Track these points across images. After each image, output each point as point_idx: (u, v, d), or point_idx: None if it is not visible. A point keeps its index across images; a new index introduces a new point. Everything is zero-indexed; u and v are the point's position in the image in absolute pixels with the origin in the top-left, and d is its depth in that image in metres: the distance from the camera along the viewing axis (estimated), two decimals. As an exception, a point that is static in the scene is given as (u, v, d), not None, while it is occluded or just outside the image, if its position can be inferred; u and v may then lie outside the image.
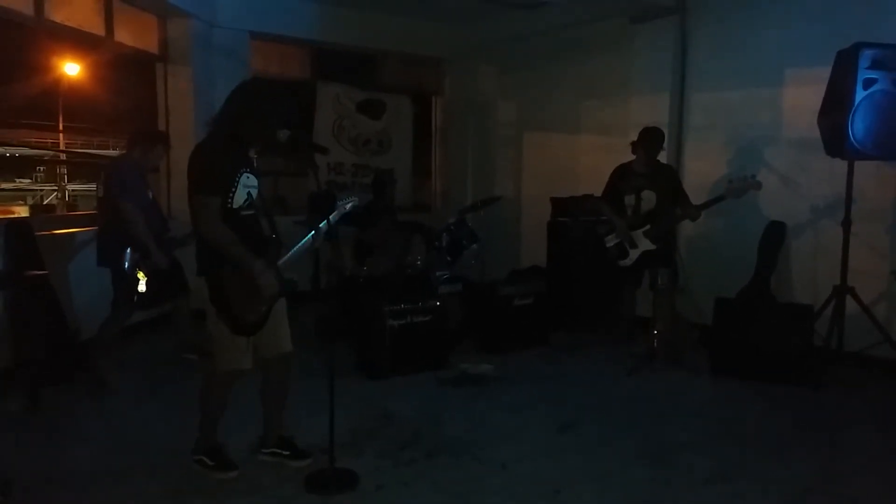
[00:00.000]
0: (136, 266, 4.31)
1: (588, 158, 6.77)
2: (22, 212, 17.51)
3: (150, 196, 4.65)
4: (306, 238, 3.18)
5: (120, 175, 4.45)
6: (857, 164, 4.48)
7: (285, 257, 3.15)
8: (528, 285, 5.60)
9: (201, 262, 2.99)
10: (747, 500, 3.00)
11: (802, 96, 5.03)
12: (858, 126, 4.29)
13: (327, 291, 5.66)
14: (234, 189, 2.93)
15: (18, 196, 21.60)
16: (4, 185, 21.40)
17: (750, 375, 4.58)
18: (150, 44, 6.37)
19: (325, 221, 3.14)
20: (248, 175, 3.00)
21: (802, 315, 4.61)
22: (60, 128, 15.05)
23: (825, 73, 4.52)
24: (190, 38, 6.39)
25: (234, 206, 2.94)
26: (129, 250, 4.29)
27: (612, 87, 6.54)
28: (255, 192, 3.05)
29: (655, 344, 4.91)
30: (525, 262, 7.16)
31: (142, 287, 4.32)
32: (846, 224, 4.57)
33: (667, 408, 4.25)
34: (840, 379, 4.51)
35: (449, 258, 5.80)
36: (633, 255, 5.19)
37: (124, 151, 4.91)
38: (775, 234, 5.34)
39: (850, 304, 4.57)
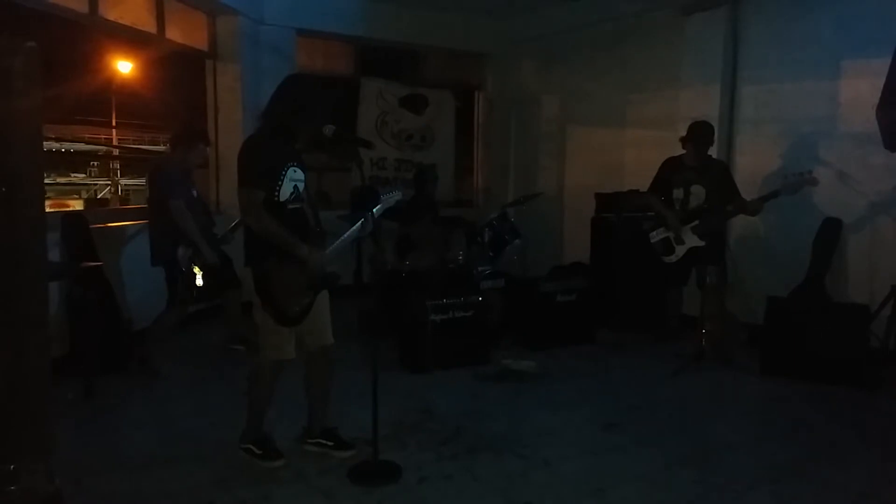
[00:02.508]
0: (190, 261, 4.41)
1: (634, 153, 6.66)
2: (77, 205, 18.07)
3: (195, 194, 4.73)
4: (353, 229, 3.22)
5: (164, 175, 4.54)
6: (918, 158, 4.33)
7: (330, 248, 3.20)
8: (571, 282, 5.53)
9: (248, 253, 3.07)
10: (798, 504, 2.92)
11: (859, 88, 4.85)
12: (920, 119, 4.13)
13: (370, 286, 5.70)
14: (280, 182, 2.99)
15: (73, 190, 22.30)
16: (60, 180, 22.10)
17: (802, 377, 4.44)
18: (200, 41, 6.50)
19: (370, 212, 3.18)
20: (295, 169, 3.06)
21: (858, 315, 4.46)
22: (114, 123, 15.50)
23: (884, 64, 4.33)
24: (238, 36, 6.51)
25: (281, 199, 3.00)
26: (180, 248, 4.40)
27: (660, 80, 6.42)
28: (301, 186, 3.10)
29: (704, 343, 4.81)
30: (567, 258, 7.08)
31: (199, 281, 4.43)
32: (906, 221, 4.42)
33: (715, 408, 4.17)
34: (897, 382, 4.36)
35: (491, 253, 5.79)
36: (679, 251, 5.09)
37: (168, 152, 5.00)
38: (830, 232, 5.17)
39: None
